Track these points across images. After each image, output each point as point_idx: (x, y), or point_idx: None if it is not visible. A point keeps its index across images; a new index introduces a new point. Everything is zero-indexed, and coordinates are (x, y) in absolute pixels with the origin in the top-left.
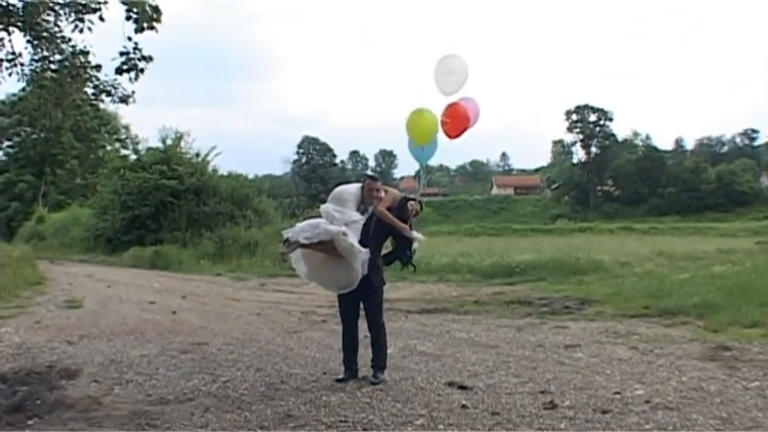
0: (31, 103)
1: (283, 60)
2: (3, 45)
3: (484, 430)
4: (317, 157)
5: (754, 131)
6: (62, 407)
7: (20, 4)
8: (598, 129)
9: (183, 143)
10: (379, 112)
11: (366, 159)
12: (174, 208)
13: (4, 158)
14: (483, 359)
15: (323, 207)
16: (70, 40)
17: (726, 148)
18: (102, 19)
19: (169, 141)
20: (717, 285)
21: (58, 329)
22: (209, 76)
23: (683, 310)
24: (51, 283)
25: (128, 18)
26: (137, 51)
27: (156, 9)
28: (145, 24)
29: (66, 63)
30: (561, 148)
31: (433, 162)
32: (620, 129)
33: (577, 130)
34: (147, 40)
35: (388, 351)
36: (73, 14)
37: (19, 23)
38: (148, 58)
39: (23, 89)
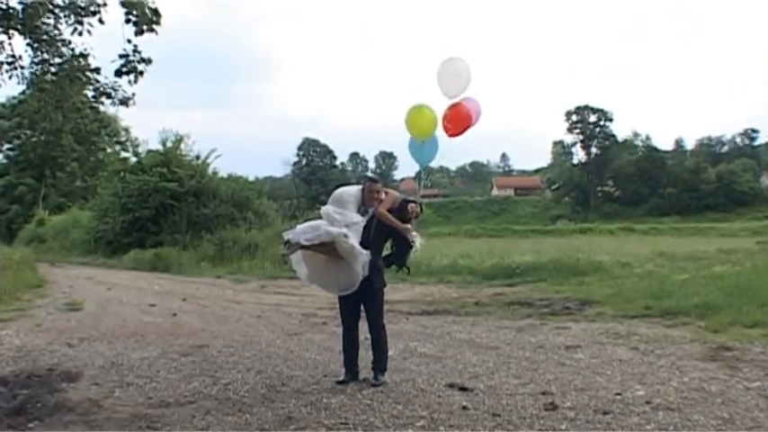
0: (32, 105)
1: (283, 62)
2: (3, 48)
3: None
4: (318, 158)
5: (754, 131)
6: (63, 410)
7: (19, 8)
8: (598, 129)
9: (183, 145)
10: (379, 113)
11: (366, 161)
12: (174, 210)
13: (4, 161)
14: (484, 360)
15: (323, 209)
16: (70, 42)
17: (726, 148)
18: (101, 22)
19: (169, 144)
20: (717, 286)
21: (58, 332)
22: (210, 79)
23: (684, 310)
24: (51, 285)
25: (127, 21)
26: (136, 54)
27: (155, 11)
28: (144, 27)
29: (66, 66)
30: (561, 149)
31: (434, 163)
32: (621, 129)
33: (577, 130)
34: (146, 43)
35: (389, 353)
36: (72, 17)
37: (19, 26)
38: (148, 61)
39: (23, 92)
